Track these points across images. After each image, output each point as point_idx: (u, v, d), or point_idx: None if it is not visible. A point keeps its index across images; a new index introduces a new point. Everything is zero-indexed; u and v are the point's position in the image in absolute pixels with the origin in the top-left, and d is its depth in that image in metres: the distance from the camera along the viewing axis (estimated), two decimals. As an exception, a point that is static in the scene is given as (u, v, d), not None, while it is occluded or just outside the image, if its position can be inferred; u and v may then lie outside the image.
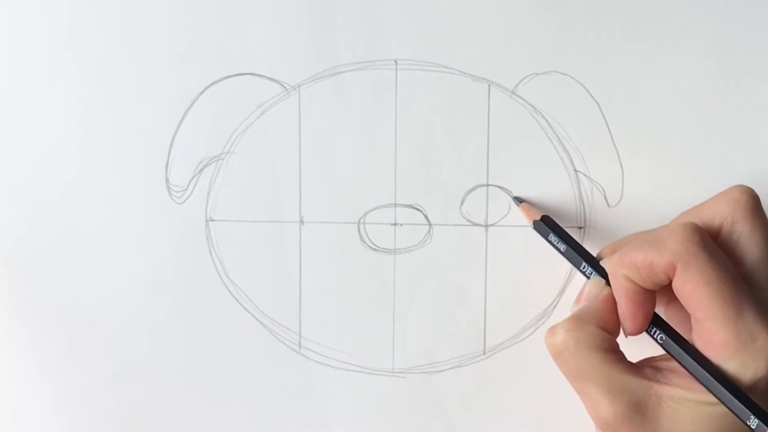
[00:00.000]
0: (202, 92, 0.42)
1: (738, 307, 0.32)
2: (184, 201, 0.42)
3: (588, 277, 0.37)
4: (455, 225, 0.42)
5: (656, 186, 0.41)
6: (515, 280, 0.41)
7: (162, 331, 0.43)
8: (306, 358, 0.43)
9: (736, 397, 0.32)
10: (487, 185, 0.42)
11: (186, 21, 0.41)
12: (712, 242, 0.34)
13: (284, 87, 0.42)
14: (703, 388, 0.33)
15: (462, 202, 0.42)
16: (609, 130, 0.41)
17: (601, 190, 0.41)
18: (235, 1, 0.41)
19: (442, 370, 0.42)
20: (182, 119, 0.42)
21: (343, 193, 0.42)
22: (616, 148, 0.41)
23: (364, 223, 0.42)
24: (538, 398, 0.42)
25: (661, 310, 0.36)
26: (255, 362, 0.43)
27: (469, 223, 0.42)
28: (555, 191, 0.42)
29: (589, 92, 0.41)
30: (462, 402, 0.42)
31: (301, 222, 0.42)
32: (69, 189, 0.42)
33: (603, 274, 0.37)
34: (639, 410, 0.34)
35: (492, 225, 0.42)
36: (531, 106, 0.41)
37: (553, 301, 0.42)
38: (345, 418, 0.43)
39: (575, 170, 0.41)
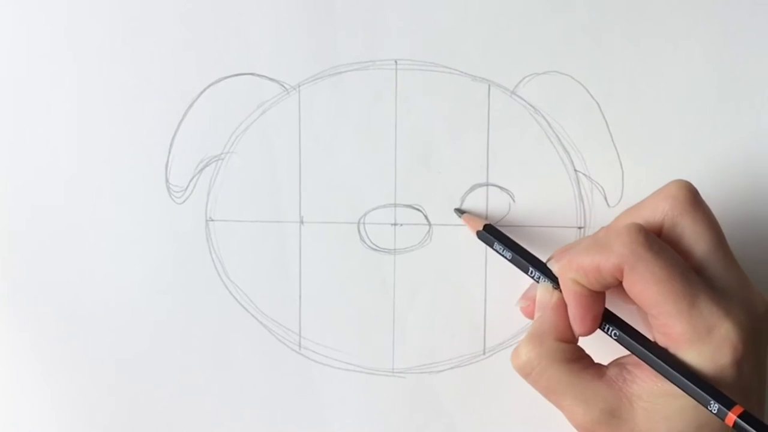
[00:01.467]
0: (202, 92, 0.42)
1: (690, 300, 0.33)
2: (184, 201, 0.42)
3: (537, 282, 0.38)
4: (455, 225, 0.42)
5: (656, 186, 0.41)
6: (515, 280, 0.41)
7: (162, 331, 0.43)
8: (306, 358, 0.43)
9: (692, 383, 0.32)
10: (487, 185, 0.42)
11: (186, 21, 0.41)
12: (658, 240, 0.34)
13: (284, 87, 0.42)
14: (665, 379, 0.33)
15: (462, 202, 0.42)
16: (609, 130, 0.41)
17: (601, 190, 0.41)
18: (234, 1, 0.41)
19: (442, 370, 0.42)
20: (182, 119, 0.42)
21: (343, 193, 0.42)
22: (616, 148, 0.41)
23: (364, 223, 0.42)
24: (538, 398, 0.42)
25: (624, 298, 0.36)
26: (255, 362, 0.43)
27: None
28: (555, 191, 0.42)
29: (589, 92, 0.41)
30: (462, 402, 0.42)
31: (301, 222, 0.42)
32: (69, 189, 0.42)
33: (552, 277, 0.37)
34: (614, 414, 0.34)
35: (490, 224, 0.42)
36: (531, 106, 0.41)
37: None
38: (345, 418, 0.43)
39: (575, 170, 0.41)
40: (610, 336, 0.35)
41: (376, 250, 0.42)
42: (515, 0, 0.41)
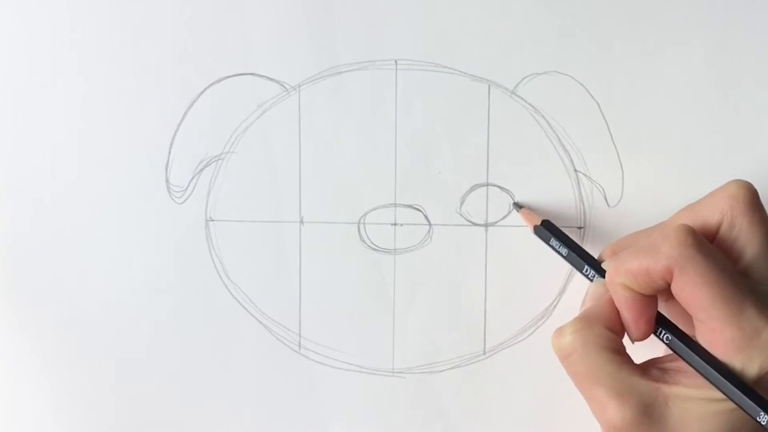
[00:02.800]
0: (202, 92, 0.42)
1: (739, 304, 0.32)
2: (184, 201, 0.42)
3: (591, 280, 0.37)
4: (455, 225, 0.42)
5: (656, 186, 0.41)
6: (515, 280, 0.41)
7: (162, 331, 0.43)
8: (306, 358, 0.43)
9: (745, 394, 0.32)
10: (487, 185, 0.42)
11: (186, 21, 0.41)
12: (707, 242, 0.34)
13: (284, 87, 0.42)
14: (711, 386, 0.33)
15: (462, 202, 0.42)
16: (609, 130, 0.41)
17: (601, 190, 0.41)
18: (235, 1, 0.41)
19: (442, 370, 0.42)
20: (182, 119, 0.42)
21: (343, 193, 0.42)
22: (616, 148, 0.41)
23: (364, 223, 0.42)
24: (538, 398, 0.42)
25: (661, 306, 0.36)
26: (255, 362, 0.43)
27: (469, 223, 0.42)
28: (555, 191, 0.42)
29: (589, 92, 0.41)
30: (462, 402, 0.42)
31: (301, 222, 0.42)
32: (69, 189, 0.42)
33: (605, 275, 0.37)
34: (647, 412, 0.34)
35: (492, 225, 0.42)
36: (531, 106, 0.41)
37: (553, 301, 0.42)
38: (345, 418, 0.43)
39: (575, 170, 0.41)
40: (662, 340, 0.35)
41: (376, 250, 0.42)
42: (515, 0, 0.41)
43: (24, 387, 0.43)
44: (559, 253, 0.39)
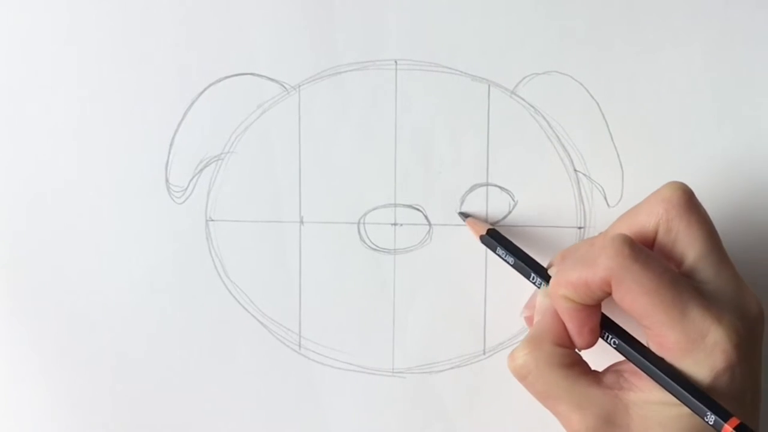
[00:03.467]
0: (202, 92, 0.42)
1: (681, 308, 0.32)
2: (184, 201, 0.42)
3: (539, 288, 0.38)
4: (455, 225, 0.42)
5: (656, 186, 0.41)
6: (515, 280, 0.41)
7: (162, 331, 0.43)
8: (306, 358, 0.43)
9: (690, 394, 0.32)
10: (487, 185, 0.42)
11: (186, 21, 0.41)
12: (645, 250, 0.33)
13: (284, 87, 0.42)
14: (666, 391, 0.33)
15: (462, 202, 0.42)
16: (609, 130, 0.41)
17: (601, 190, 0.41)
18: (235, 1, 0.41)
19: (442, 370, 0.42)
20: (182, 119, 0.42)
21: (343, 193, 0.42)
22: (616, 148, 0.41)
23: (364, 223, 0.42)
24: (538, 398, 0.42)
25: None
26: (255, 362, 0.43)
27: (469, 223, 0.42)
28: (555, 191, 0.42)
29: (589, 92, 0.41)
30: (462, 402, 0.42)
31: (301, 222, 0.42)
32: (69, 189, 0.42)
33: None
34: (609, 420, 0.34)
35: (492, 225, 0.42)
36: (531, 106, 0.41)
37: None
38: (345, 418, 0.43)
39: (575, 170, 0.41)
40: (610, 344, 0.35)
41: (376, 250, 0.42)
42: (515, 0, 0.41)
43: (24, 387, 0.43)
44: (506, 261, 0.39)
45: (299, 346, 0.43)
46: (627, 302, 0.33)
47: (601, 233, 0.38)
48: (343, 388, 0.43)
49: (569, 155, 0.41)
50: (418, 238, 0.42)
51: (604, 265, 0.33)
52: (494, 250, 0.40)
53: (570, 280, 0.34)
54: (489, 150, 0.42)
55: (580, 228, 0.42)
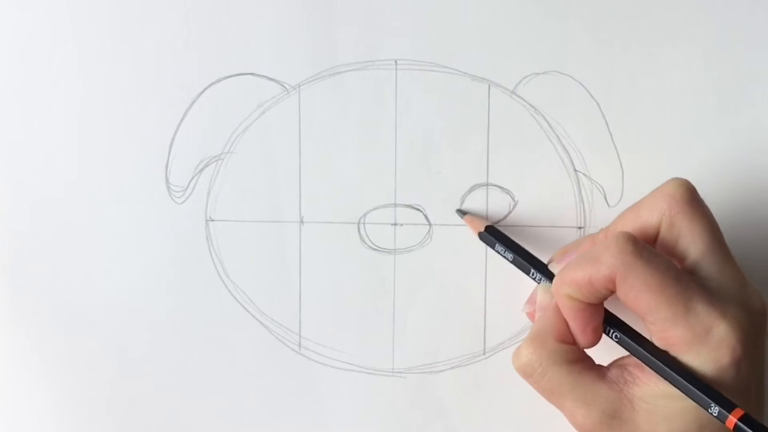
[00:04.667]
0: (202, 92, 0.42)
1: (685, 304, 0.33)
2: (184, 201, 0.42)
3: (538, 283, 0.38)
4: (455, 225, 0.42)
5: (656, 186, 0.41)
6: (515, 280, 0.41)
7: (162, 331, 0.43)
8: (306, 358, 0.43)
9: (694, 386, 0.32)
10: (487, 185, 0.42)
11: (186, 21, 0.41)
12: (648, 247, 0.33)
13: (284, 87, 0.42)
14: (670, 384, 0.33)
15: (462, 202, 0.42)
16: (609, 130, 0.41)
17: (601, 190, 0.41)
18: (235, 1, 0.41)
19: (442, 370, 0.42)
20: (182, 119, 0.42)
21: (343, 193, 0.42)
22: (616, 148, 0.41)
23: (364, 223, 0.42)
24: (538, 398, 0.42)
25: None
26: (255, 362, 0.43)
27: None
28: (555, 191, 0.42)
29: (589, 92, 0.41)
30: (462, 402, 0.42)
31: (301, 222, 0.42)
32: (69, 189, 0.42)
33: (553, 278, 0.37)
34: (615, 415, 0.34)
35: (492, 225, 0.42)
36: (531, 106, 0.41)
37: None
38: (345, 418, 0.43)
39: (575, 170, 0.41)
40: (612, 338, 0.35)
41: (376, 250, 0.42)
42: (515, 0, 0.41)
43: (24, 387, 0.43)
44: (505, 257, 0.39)
45: (299, 346, 0.43)
46: (631, 299, 0.33)
47: (602, 230, 0.38)
48: (343, 388, 0.43)
49: (569, 155, 0.41)
50: (418, 238, 0.42)
51: (608, 263, 0.33)
52: (493, 247, 0.40)
53: (574, 279, 0.34)
54: (489, 150, 0.42)
55: (580, 228, 0.42)
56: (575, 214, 0.42)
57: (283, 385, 0.43)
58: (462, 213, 0.41)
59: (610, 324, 0.35)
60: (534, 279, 0.38)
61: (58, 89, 0.42)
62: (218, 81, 0.42)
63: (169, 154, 0.42)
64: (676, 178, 0.36)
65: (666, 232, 0.35)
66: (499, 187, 0.42)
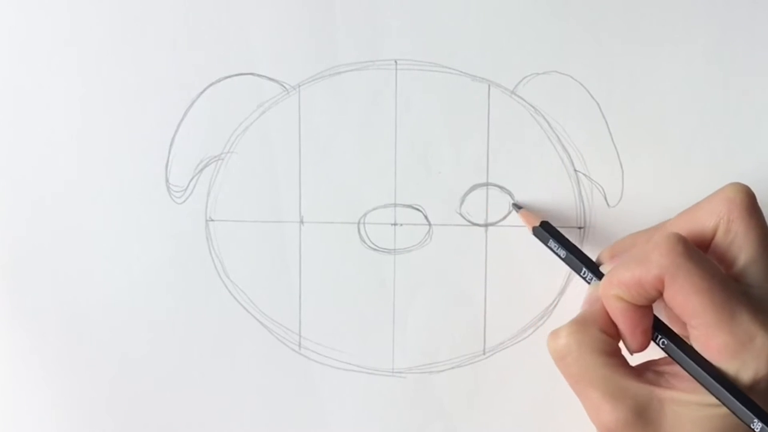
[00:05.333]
0: (202, 92, 0.42)
1: (731, 310, 0.32)
2: (184, 201, 0.42)
3: (588, 282, 0.37)
4: (455, 225, 0.42)
5: (656, 186, 0.41)
6: (515, 280, 0.41)
7: (162, 331, 0.43)
8: (306, 358, 0.43)
9: (738, 400, 0.32)
10: (487, 185, 0.42)
11: (186, 21, 0.41)
12: (697, 250, 0.33)
13: (284, 87, 0.42)
14: (705, 391, 0.33)
15: (462, 202, 0.42)
16: (609, 130, 0.41)
17: (601, 190, 0.41)
18: (235, 1, 0.41)
19: (442, 370, 0.42)
20: (182, 119, 0.42)
21: (343, 193, 0.42)
22: (616, 148, 0.41)
23: (364, 223, 0.42)
24: (538, 398, 0.42)
25: (660, 308, 0.36)
26: (255, 362, 0.43)
27: (469, 223, 0.42)
28: (555, 191, 0.42)
29: (589, 92, 0.41)
30: (462, 402, 0.42)
31: (301, 222, 0.42)
32: (69, 189, 0.42)
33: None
34: (641, 415, 0.34)
35: (492, 225, 0.42)
36: (531, 106, 0.41)
37: (553, 301, 0.42)
38: (345, 418, 0.43)
39: (575, 170, 0.41)
40: (658, 345, 0.35)
41: (376, 250, 0.42)
42: (515, 0, 0.41)
43: (24, 387, 0.43)
44: (557, 254, 0.39)
45: (299, 346, 0.43)
46: (678, 301, 0.33)
47: (653, 226, 0.38)
48: (343, 388, 0.43)
49: (569, 155, 0.41)
50: (418, 238, 0.42)
51: (658, 263, 0.33)
52: (546, 243, 0.39)
53: (622, 280, 0.34)
54: (489, 150, 0.42)
55: (580, 228, 0.42)
56: (575, 214, 0.42)
57: (283, 385, 0.43)
58: (517, 207, 0.41)
59: (658, 330, 0.35)
60: (584, 278, 0.38)
61: (58, 89, 0.42)
62: (218, 81, 0.42)
63: (169, 154, 0.42)
64: (736, 183, 0.35)
65: (722, 236, 0.35)
66: (499, 187, 0.42)
